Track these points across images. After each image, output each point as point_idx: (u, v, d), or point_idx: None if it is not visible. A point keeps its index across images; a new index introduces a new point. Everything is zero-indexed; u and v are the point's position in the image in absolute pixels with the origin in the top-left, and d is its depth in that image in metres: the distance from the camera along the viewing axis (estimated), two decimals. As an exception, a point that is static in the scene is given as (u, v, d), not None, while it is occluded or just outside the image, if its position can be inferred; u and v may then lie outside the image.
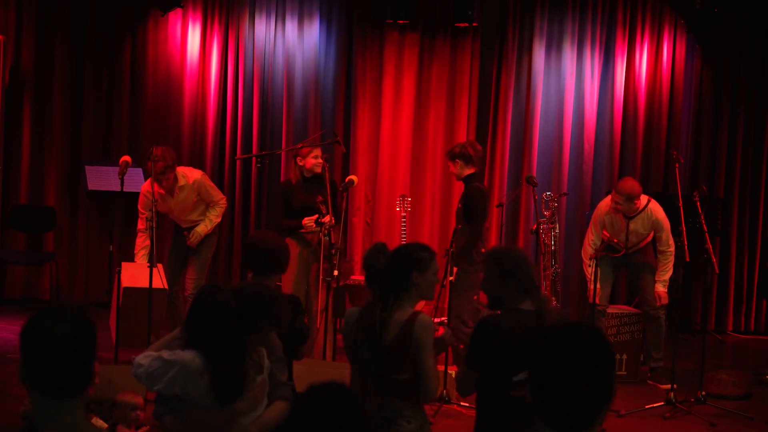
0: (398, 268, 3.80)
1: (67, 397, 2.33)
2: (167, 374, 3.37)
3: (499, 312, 3.83)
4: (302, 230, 6.93)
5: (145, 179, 8.56)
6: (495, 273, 3.81)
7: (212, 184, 7.57)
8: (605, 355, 2.10)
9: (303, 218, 6.90)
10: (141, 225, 7.27)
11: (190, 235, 7.33)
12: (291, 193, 7.05)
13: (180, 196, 7.26)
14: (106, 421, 4.89)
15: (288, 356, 4.09)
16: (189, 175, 7.30)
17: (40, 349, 2.31)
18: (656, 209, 7.26)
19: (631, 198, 7.12)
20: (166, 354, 3.41)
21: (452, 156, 7.01)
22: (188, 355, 3.39)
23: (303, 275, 7.00)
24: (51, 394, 2.32)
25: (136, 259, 7.16)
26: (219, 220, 7.46)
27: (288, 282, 6.98)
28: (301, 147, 7.25)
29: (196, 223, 7.36)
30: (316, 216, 6.78)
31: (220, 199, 7.47)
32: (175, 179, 7.16)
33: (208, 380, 3.37)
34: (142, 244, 7.19)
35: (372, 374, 3.70)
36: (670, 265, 7.23)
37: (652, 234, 7.34)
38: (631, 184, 7.25)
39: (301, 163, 7.05)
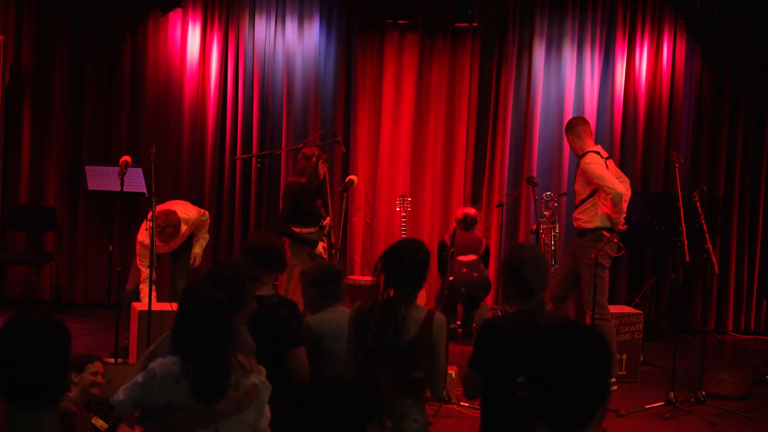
0: (422, 266, 3.82)
1: (40, 408, 2.28)
2: (150, 394, 3.35)
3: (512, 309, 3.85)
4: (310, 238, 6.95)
5: (145, 179, 8.57)
6: (503, 269, 3.85)
7: (198, 209, 7.33)
8: (604, 355, 2.11)
9: (313, 228, 6.93)
10: (144, 274, 6.88)
11: (193, 259, 7.23)
12: (302, 194, 7.00)
13: (183, 238, 7.21)
14: (106, 421, 4.88)
15: (280, 360, 4.10)
16: (187, 218, 7.11)
17: (11, 358, 2.25)
18: (587, 158, 6.89)
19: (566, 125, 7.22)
20: (140, 377, 3.39)
21: None
22: (161, 367, 3.36)
23: None
24: (24, 404, 2.26)
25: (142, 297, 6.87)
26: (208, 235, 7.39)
27: (296, 285, 6.93)
28: (302, 146, 7.24)
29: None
30: (325, 241, 6.83)
31: (207, 217, 7.36)
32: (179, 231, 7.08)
33: (188, 382, 3.32)
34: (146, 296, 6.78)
35: (391, 373, 3.69)
36: (611, 205, 6.77)
37: (590, 209, 6.90)
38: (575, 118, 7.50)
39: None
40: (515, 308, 3.84)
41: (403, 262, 3.80)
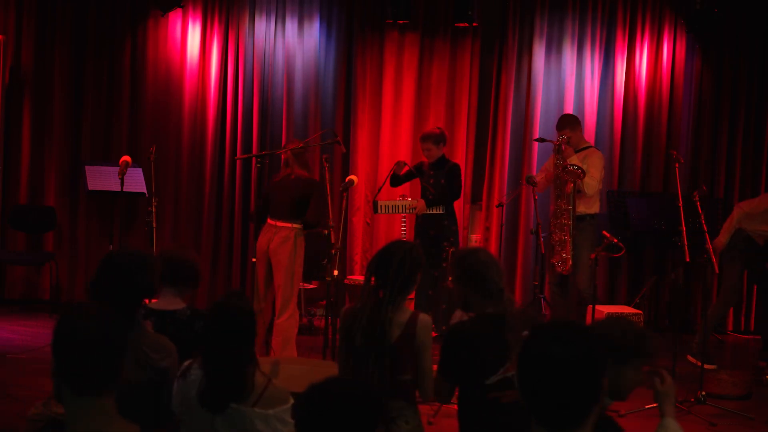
0: (411, 269, 3.79)
1: (97, 394, 2.42)
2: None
3: (470, 315, 3.83)
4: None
5: (145, 179, 8.58)
6: (457, 275, 3.82)
7: None
8: (595, 353, 2.12)
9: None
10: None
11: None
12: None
13: None
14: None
15: None
16: None
17: (71, 347, 2.40)
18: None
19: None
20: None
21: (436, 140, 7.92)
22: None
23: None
24: (82, 391, 2.40)
25: None
26: None
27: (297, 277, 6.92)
28: (302, 147, 7.24)
29: None
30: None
31: None
32: None
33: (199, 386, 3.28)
34: None
35: (378, 375, 3.69)
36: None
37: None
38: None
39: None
40: (475, 313, 3.80)
41: (392, 264, 3.77)
